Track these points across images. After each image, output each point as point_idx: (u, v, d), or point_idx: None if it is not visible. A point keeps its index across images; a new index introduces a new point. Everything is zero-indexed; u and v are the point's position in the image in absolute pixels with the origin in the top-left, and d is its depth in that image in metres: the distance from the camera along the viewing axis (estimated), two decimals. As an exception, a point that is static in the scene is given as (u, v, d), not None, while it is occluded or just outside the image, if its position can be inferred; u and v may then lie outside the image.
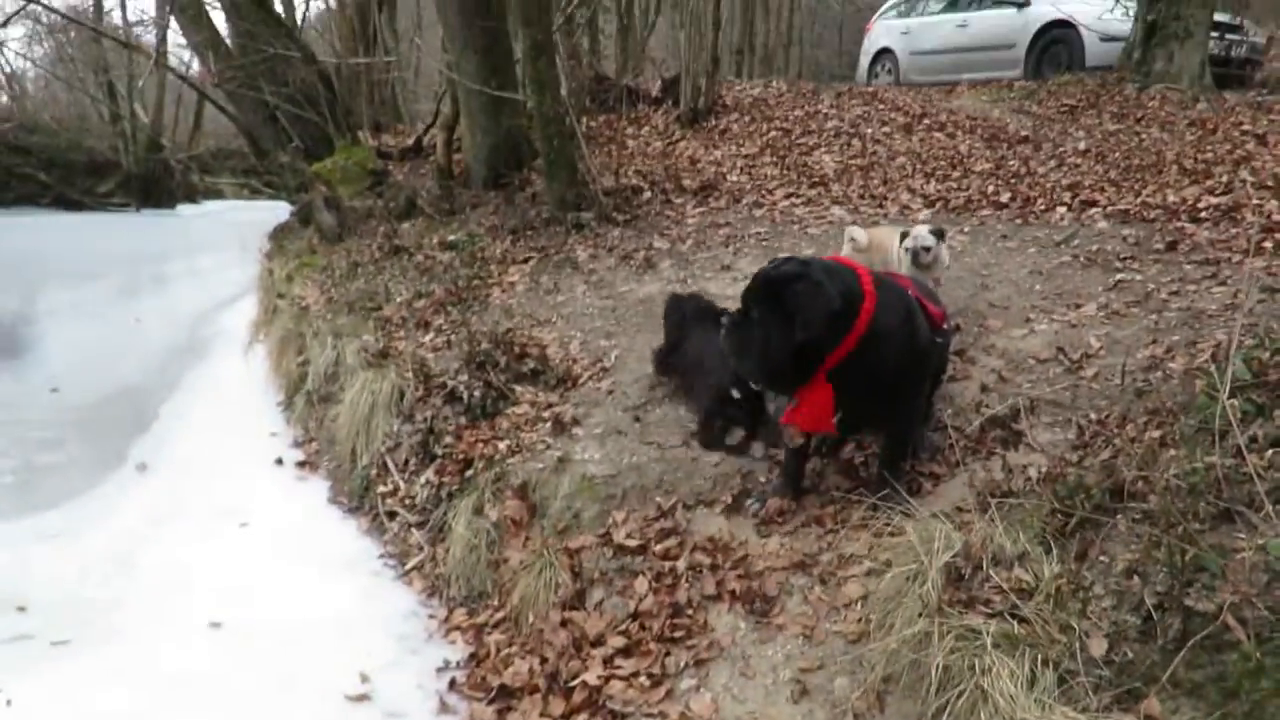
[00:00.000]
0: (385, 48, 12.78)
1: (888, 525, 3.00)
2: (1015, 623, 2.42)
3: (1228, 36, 11.24)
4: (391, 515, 4.50)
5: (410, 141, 11.50)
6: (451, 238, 8.00)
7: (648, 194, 7.92)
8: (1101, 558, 2.58)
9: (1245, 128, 7.92)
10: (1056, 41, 11.82)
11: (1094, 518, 2.69)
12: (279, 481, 5.26)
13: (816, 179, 7.84)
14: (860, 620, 2.96)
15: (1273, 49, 12.70)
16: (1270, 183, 5.92)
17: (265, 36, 10.94)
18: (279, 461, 5.51)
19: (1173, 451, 2.90)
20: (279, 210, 14.86)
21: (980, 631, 2.42)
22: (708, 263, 6.18)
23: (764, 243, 6.49)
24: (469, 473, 4.24)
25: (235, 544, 4.47)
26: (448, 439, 4.56)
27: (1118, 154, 7.40)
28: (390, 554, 4.31)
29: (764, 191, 7.72)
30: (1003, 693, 2.25)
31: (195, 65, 18.67)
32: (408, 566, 4.13)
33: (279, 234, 12.46)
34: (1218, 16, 10.93)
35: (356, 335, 6.19)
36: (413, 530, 4.30)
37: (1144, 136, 8.01)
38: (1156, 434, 3.10)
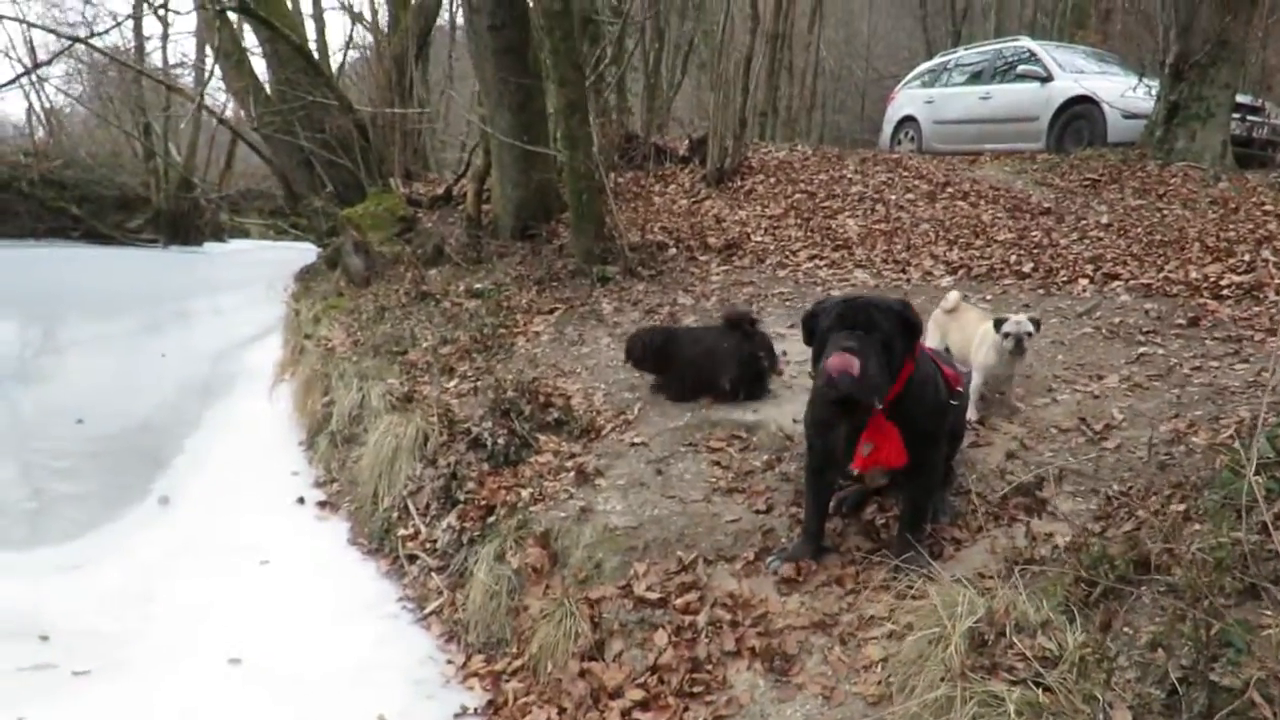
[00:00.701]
0: (419, 99, 13.11)
1: (910, 588, 3.03)
2: (1039, 691, 2.43)
3: (1249, 118, 11.39)
4: (412, 559, 4.53)
5: (440, 190, 11.75)
6: (478, 286, 8.14)
7: (673, 250, 8.05)
8: (1125, 629, 2.60)
9: (1267, 208, 8.01)
10: (1079, 117, 11.99)
11: (1118, 588, 2.71)
12: (300, 521, 5.31)
13: (840, 242, 7.95)
14: (880, 683, 2.96)
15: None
16: (1293, 263, 5.99)
17: (304, 85, 11.25)
18: (300, 500, 5.56)
19: (1197, 526, 2.93)
20: (305, 252, 15.17)
21: (1003, 698, 2.43)
22: (731, 321, 6.24)
23: (787, 302, 6.58)
24: (491, 519, 4.28)
25: (255, 581, 4.51)
26: (470, 485, 4.61)
27: (1140, 229, 7.48)
28: (409, 597, 4.33)
29: (788, 253, 7.84)
30: (1027, 762, 2.26)
31: (230, 108, 19.21)
32: (426, 610, 4.15)
33: (305, 276, 12.71)
34: (1240, 98, 11.09)
35: (381, 378, 6.28)
36: (432, 574, 4.33)
37: (1166, 213, 8.10)
38: (1180, 507, 3.14)
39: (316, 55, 13.27)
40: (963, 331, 4.64)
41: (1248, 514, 2.57)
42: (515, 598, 3.81)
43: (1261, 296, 5.47)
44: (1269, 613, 2.40)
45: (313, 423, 6.69)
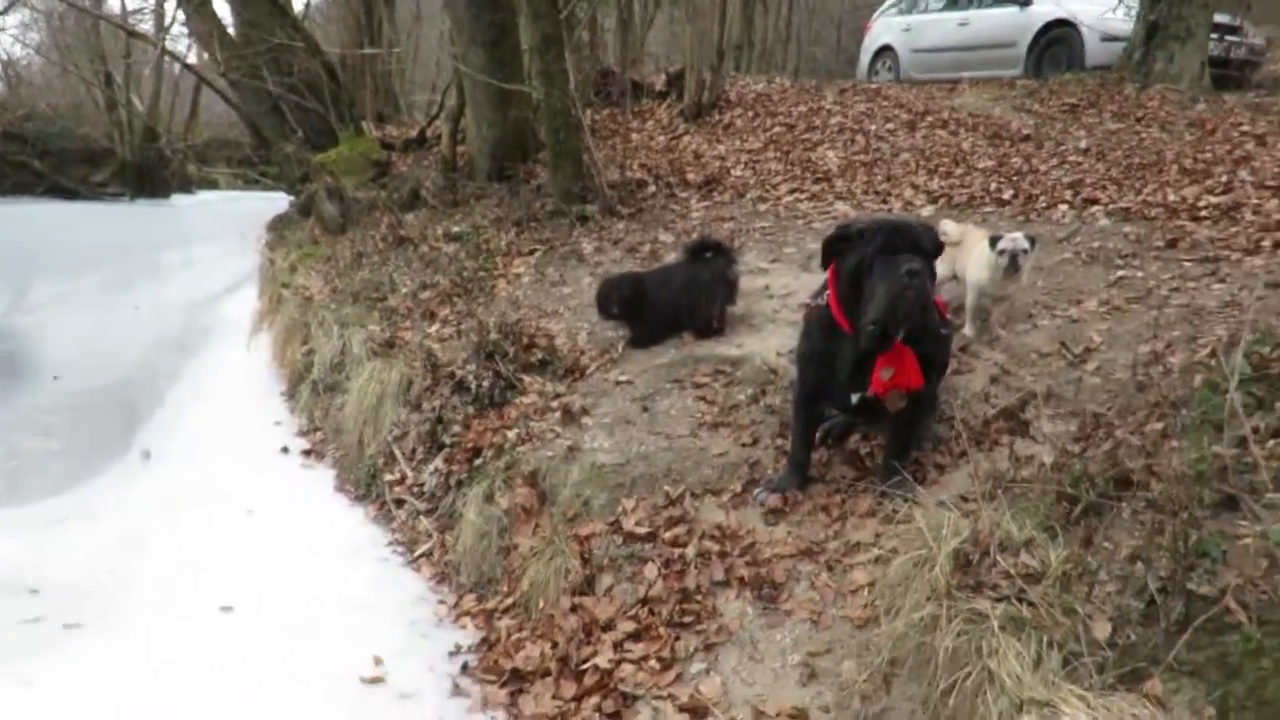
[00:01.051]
0: (388, 40, 12.80)
1: (895, 513, 3.07)
2: (1022, 606, 2.49)
3: (1227, 38, 11.31)
4: (399, 503, 4.56)
5: (414, 133, 11.54)
6: (456, 229, 8.06)
7: (652, 188, 7.98)
8: (1106, 544, 2.66)
9: (1244, 128, 8.00)
10: (1057, 41, 11.87)
11: (1099, 504, 2.77)
12: (285, 470, 5.31)
13: (820, 175, 7.90)
14: (867, 606, 3.03)
15: (1271, 50, 12.81)
16: (1270, 182, 5.99)
17: (269, 26, 10.96)
18: (284, 450, 5.56)
19: (1175, 443, 2.98)
20: (275, 201, 14.90)
21: (987, 615, 2.48)
22: (713, 256, 6.22)
23: (769, 237, 6.55)
24: (478, 461, 4.30)
25: (242, 531, 4.51)
26: (456, 428, 4.61)
27: (1119, 153, 7.47)
28: (398, 541, 4.36)
29: (768, 187, 7.78)
30: (1009, 673, 2.32)
31: (193, 53, 18.72)
32: (416, 553, 4.19)
33: (278, 225, 12.51)
34: (1218, 18, 11.00)
35: (362, 325, 6.25)
36: (421, 518, 4.36)
37: (1144, 136, 8.08)
38: (1158, 426, 3.18)
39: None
40: (965, 253, 4.57)
41: (1226, 428, 2.61)
42: (505, 537, 3.84)
43: (1238, 217, 5.49)
44: (1244, 523, 2.45)
45: (293, 372, 6.66)
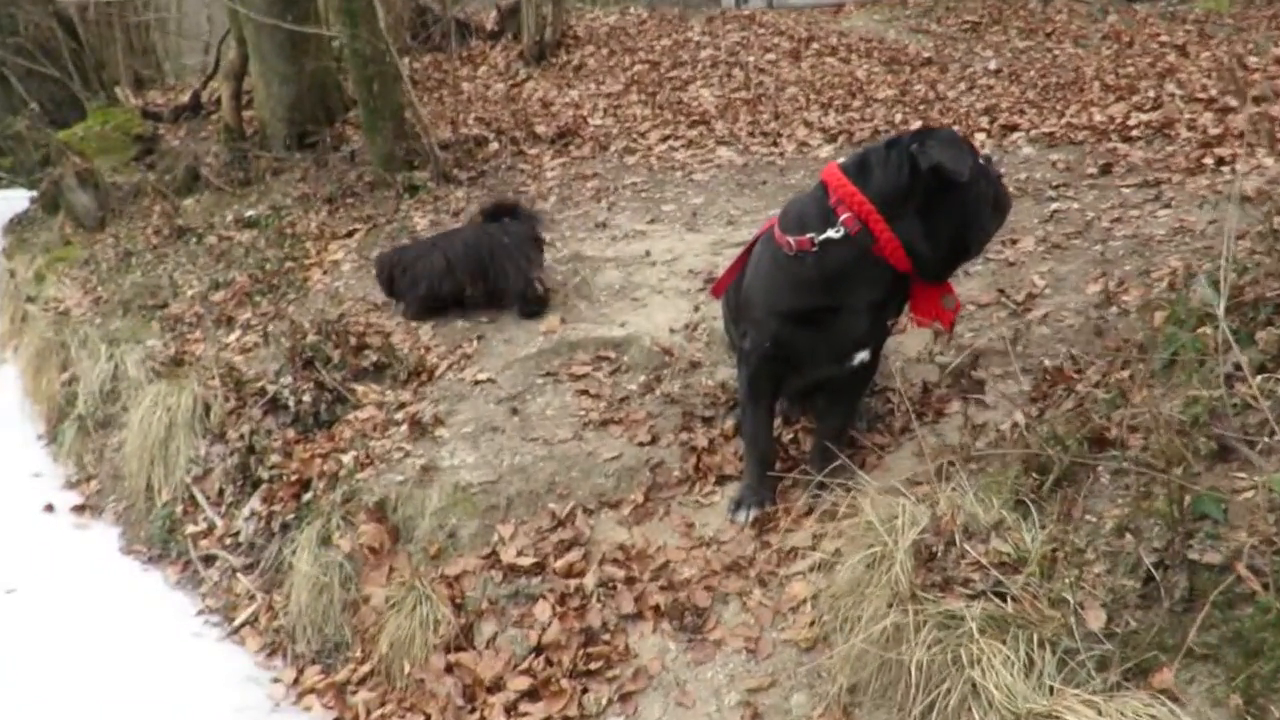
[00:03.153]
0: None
1: (835, 506, 3.00)
2: (1001, 602, 2.45)
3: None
4: (208, 560, 4.24)
5: (186, 98, 10.90)
6: (251, 213, 7.65)
7: (494, 145, 7.77)
8: (1087, 517, 2.65)
9: (1163, 39, 8.44)
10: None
11: (1072, 471, 2.77)
12: (53, 533, 4.88)
13: (696, 117, 7.87)
14: (813, 624, 2.96)
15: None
16: (1200, 95, 6.30)
17: (-20, -28, 10.16)
18: (49, 508, 5.11)
19: (1145, 392, 3.03)
20: (13, 201, 13.84)
21: (962, 617, 2.44)
22: (578, 221, 6.10)
23: (642, 194, 6.46)
24: (306, 496, 4.03)
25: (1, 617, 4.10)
26: (274, 457, 4.32)
27: (1032, 73, 7.74)
28: (212, 609, 4.05)
29: (635, 135, 7.70)
30: (998, 684, 2.27)
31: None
32: (237, 622, 3.89)
33: (17, 227, 11.61)
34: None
35: (138, 341, 5.83)
36: (238, 576, 4.06)
37: (1057, 53, 8.42)
38: (1124, 374, 3.23)
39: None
40: None
41: (1219, 363, 2.64)
42: (351, 588, 3.60)
43: (1173, 134, 5.74)
44: (1242, 476, 2.48)
45: (52, 408, 6.15)
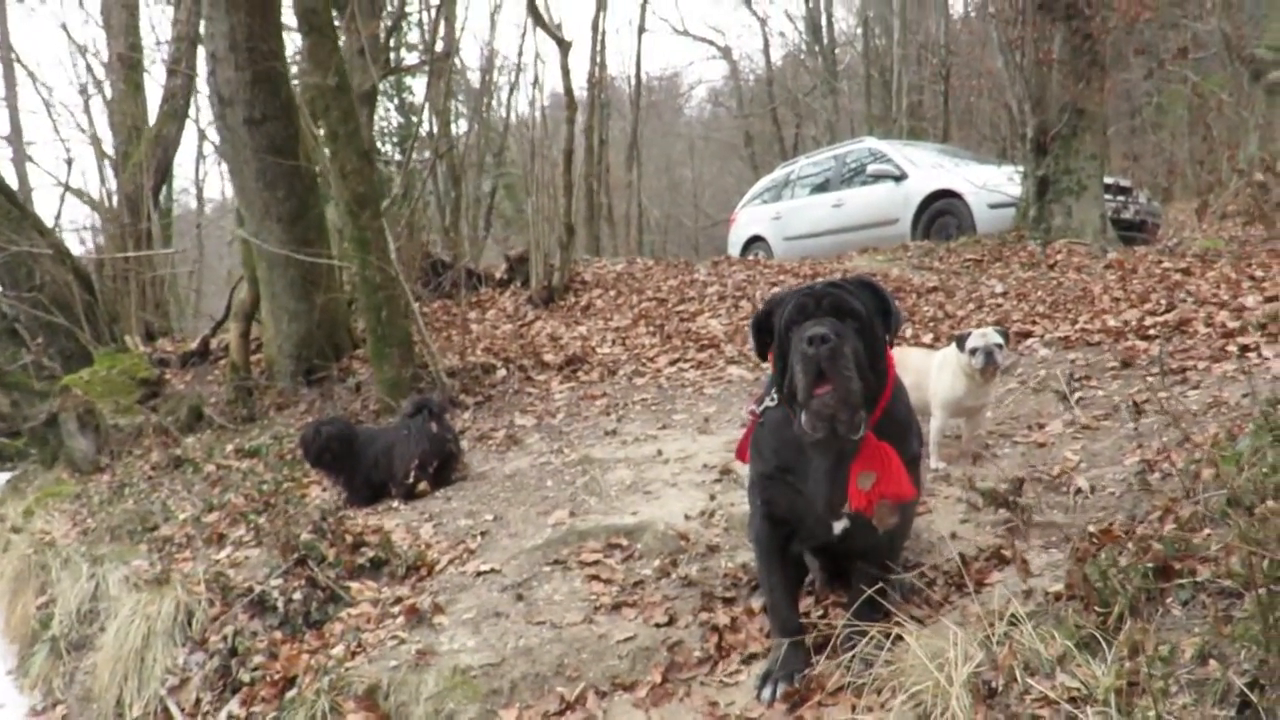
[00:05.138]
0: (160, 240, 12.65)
1: (876, 678, 2.73)
2: (1078, 736, 2.18)
3: (1120, 198, 12.55)
4: (176, 776, 3.86)
5: (195, 344, 11.14)
6: (252, 445, 7.60)
7: (502, 372, 7.83)
8: (1160, 648, 2.40)
9: (1166, 265, 8.65)
10: (943, 213, 12.83)
11: (1140, 602, 2.54)
12: (7, 763, 4.50)
13: (705, 342, 7.97)
14: (861, 800, 2.63)
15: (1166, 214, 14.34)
16: (1212, 300, 6.37)
17: (4, 232, 10.63)
18: (6, 736, 4.74)
19: (1208, 531, 2.84)
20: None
21: (1033, 757, 2.16)
22: (587, 431, 6.04)
23: (652, 407, 6.43)
24: (290, 694, 3.71)
25: None
26: (258, 659, 4.02)
27: (1039, 293, 7.89)
28: (175, 827, 3.64)
29: (643, 360, 7.77)
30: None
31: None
32: (203, 837, 3.49)
33: (11, 482, 11.56)
34: (1109, 179, 12.25)
35: (123, 561, 5.61)
36: (208, 789, 3.68)
37: (1062, 280, 8.61)
38: (1185, 514, 3.05)
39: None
40: (913, 376, 4.46)
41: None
42: (335, 783, 3.24)
43: (1191, 330, 5.75)
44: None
45: (24, 638, 5.84)
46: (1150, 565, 2.63)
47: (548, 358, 8.13)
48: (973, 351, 4.22)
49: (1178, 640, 2.41)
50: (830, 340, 2.78)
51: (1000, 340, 4.27)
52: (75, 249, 13.46)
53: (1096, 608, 2.61)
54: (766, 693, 3.15)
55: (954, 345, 4.38)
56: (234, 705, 3.91)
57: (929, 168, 13.15)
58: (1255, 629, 2.22)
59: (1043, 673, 2.42)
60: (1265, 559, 2.33)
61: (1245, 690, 2.14)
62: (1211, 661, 2.29)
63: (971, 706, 2.33)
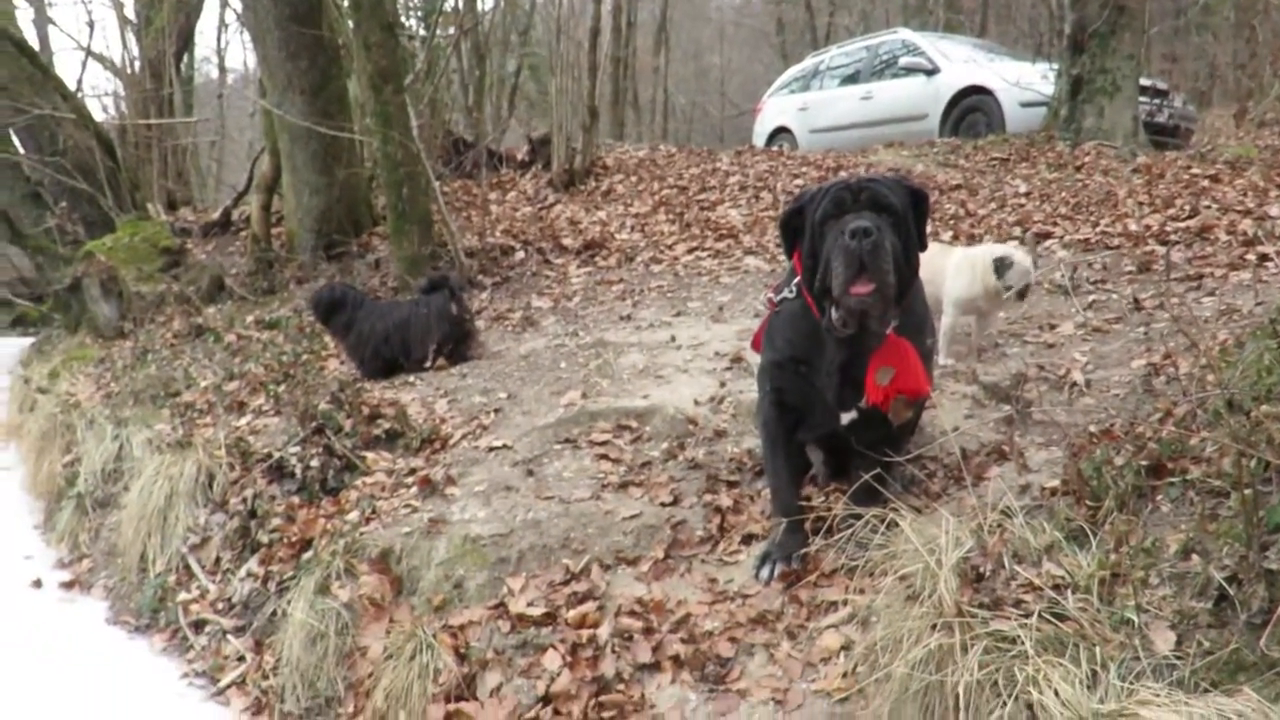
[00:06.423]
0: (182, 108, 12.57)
1: (870, 562, 2.81)
2: (1059, 623, 2.27)
3: (1157, 101, 12.25)
4: (199, 626, 4.03)
5: (216, 215, 11.18)
6: (271, 317, 7.70)
7: (520, 254, 7.86)
8: (1147, 543, 2.48)
9: (1194, 170, 8.52)
10: (973, 109, 12.56)
11: (1129, 497, 2.61)
12: (38, 607, 4.68)
13: (724, 231, 7.96)
14: (846, 674, 2.74)
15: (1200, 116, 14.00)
16: (1237, 207, 6.31)
17: (25, 92, 10.58)
18: (37, 584, 4.93)
19: (1205, 433, 2.89)
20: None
21: (1016, 638, 2.25)
22: (602, 316, 6.09)
23: (668, 294, 6.46)
24: (307, 555, 3.86)
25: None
26: (276, 521, 4.17)
27: (1063, 194, 7.82)
28: (196, 672, 3.82)
29: (661, 248, 7.77)
30: (1057, 698, 2.07)
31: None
32: (223, 682, 3.66)
33: (36, 345, 11.74)
34: (1146, 81, 11.94)
35: (146, 425, 5.74)
36: (228, 638, 3.85)
37: (1087, 182, 8.51)
38: (1180, 414, 3.09)
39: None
40: (927, 271, 4.51)
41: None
42: (347, 638, 3.39)
43: (1212, 238, 5.72)
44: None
45: (51, 494, 6.03)
46: (1144, 463, 2.69)
47: (566, 242, 8.14)
48: (1009, 286, 4.23)
49: (1163, 535, 2.49)
50: (873, 234, 2.81)
51: (1032, 280, 4.31)
52: (97, 115, 13.32)
53: (1088, 502, 2.69)
54: (764, 572, 3.27)
55: (979, 250, 4.38)
56: (253, 564, 4.07)
57: (962, 62, 12.83)
58: (1239, 526, 2.29)
59: (1030, 561, 2.50)
60: (1254, 459, 2.38)
61: (1224, 584, 2.22)
62: (1194, 556, 2.36)
63: (958, 589, 2.42)
